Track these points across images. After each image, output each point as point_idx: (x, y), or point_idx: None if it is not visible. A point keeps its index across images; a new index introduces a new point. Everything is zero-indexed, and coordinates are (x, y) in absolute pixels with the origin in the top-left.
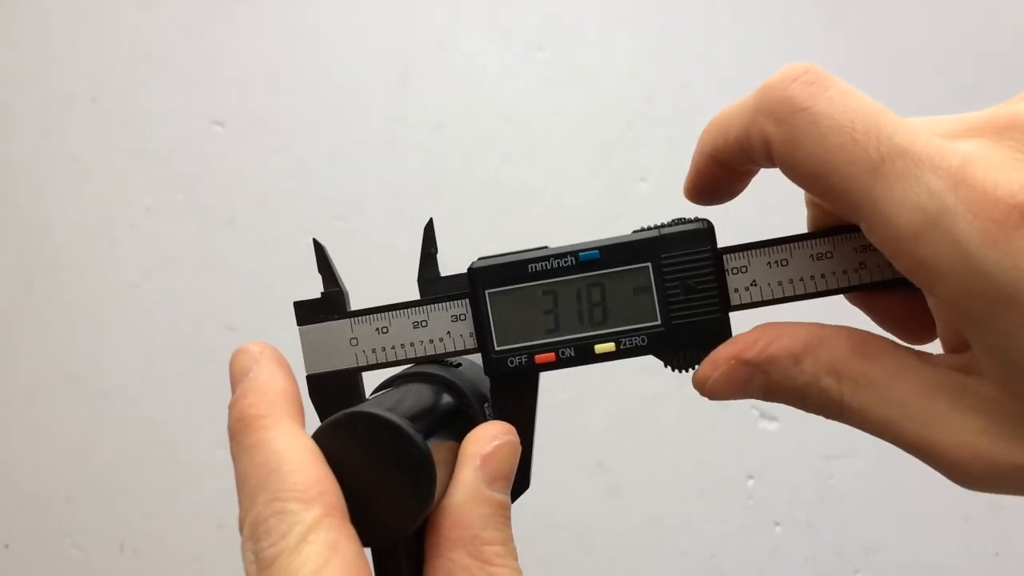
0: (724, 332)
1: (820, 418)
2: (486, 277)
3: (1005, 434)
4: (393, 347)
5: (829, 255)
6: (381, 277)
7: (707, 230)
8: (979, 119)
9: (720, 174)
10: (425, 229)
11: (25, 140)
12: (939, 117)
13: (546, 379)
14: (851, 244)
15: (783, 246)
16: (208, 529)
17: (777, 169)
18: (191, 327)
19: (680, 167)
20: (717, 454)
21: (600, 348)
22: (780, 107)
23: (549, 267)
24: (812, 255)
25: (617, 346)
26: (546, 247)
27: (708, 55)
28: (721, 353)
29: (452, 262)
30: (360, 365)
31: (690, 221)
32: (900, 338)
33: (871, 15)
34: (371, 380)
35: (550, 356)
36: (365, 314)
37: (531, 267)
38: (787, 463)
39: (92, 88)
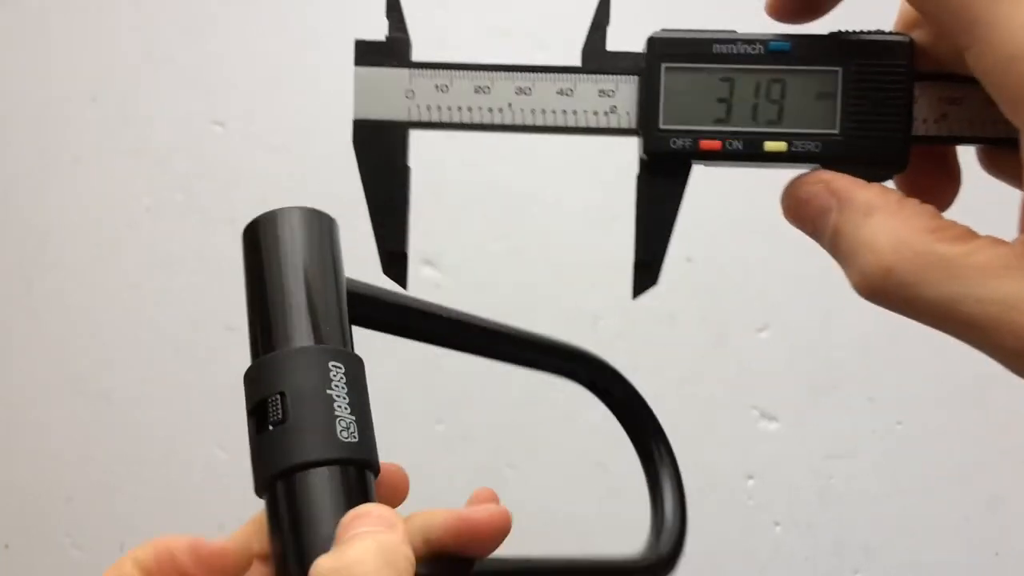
0: (902, 157)
1: (820, 418)
2: (666, 49)
3: None
4: (450, 108)
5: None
6: (381, 277)
7: (909, 44)
8: None
9: None
10: (601, 1)
11: (25, 140)
12: None
13: (545, 380)
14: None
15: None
16: (208, 529)
17: None
18: (191, 327)
19: None
20: (717, 454)
21: (770, 146)
22: None
23: (735, 52)
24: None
25: (789, 147)
26: (734, 31)
27: None
28: (816, 173)
29: (453, 260)
30: (412, 120)
31: (891, 33)
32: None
33: (871, 16)
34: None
35: (716, 144)
36: (428, 67)
37: (716, 47)
38: (787, 463)
39: (92, 88)
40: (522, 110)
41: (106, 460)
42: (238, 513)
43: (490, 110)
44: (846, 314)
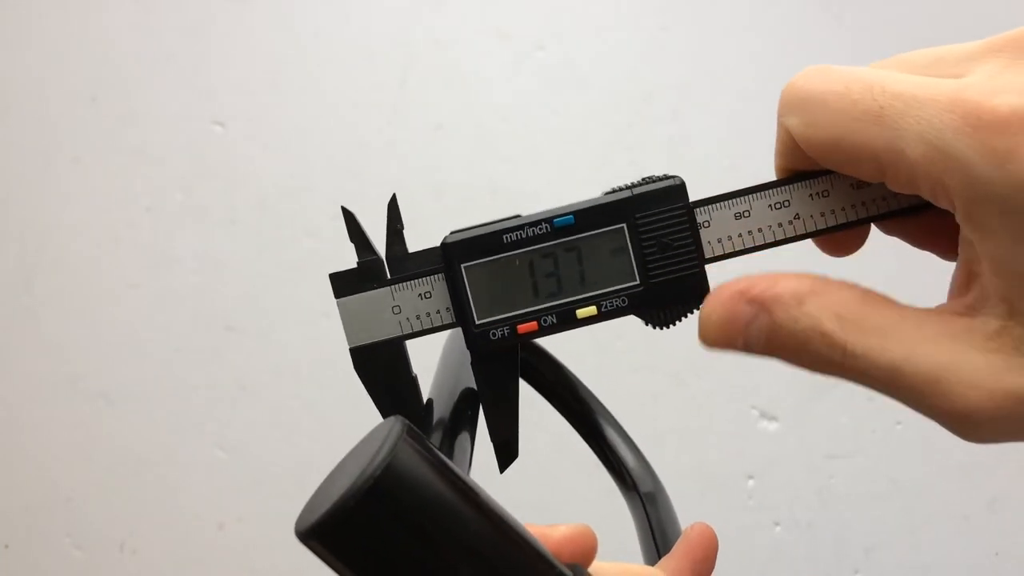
0: (702, 286)
1: (820, 418)
2: (460, 251)
3: (1016, 366)
4: (439, 311)
5: (826, 194)
6: None
7: (679, 186)
8: (1000, 39)
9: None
10: (389, 205)
11: (25, 140)
12: (954, 46)
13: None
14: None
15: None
16: (208, 529)
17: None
18: (191, 327)
19: (680, 166)
20: (717, 454)
21: (581, 312)
22: (789, 99)
23: (524, 236)
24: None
25: (598, 309)
26: (519, 215)
27: (708, 55)
28: (725, 290)
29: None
30: (405, 333)
31: (661, 179)
32: (941, 256)
33: (871, 15)
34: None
35: (532, 325)
36: (407, 279)
37: (506, 237)
38: (787, 463)
39: (92, 88)
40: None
41: (106, 460)
42: (238, 513)
43: None
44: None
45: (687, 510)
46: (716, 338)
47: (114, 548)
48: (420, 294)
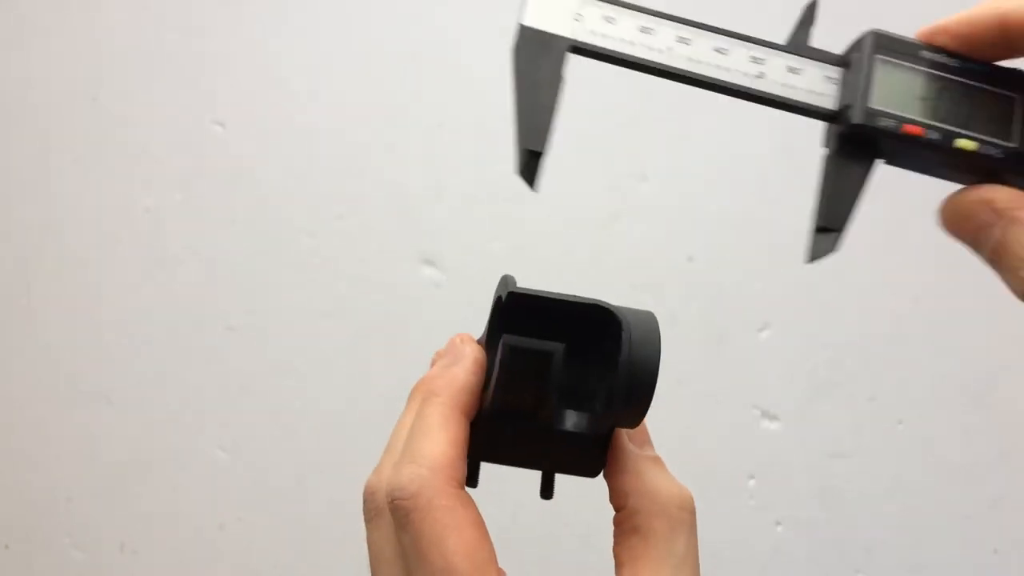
0: None
1: (821, 418)
2: (882, 43)
3: None
4: (613, 37)
5: None
6: (381, 276)
7: None
8: None
9: (986, 38)
10: (809, 4)
11: (25, 140)
12: None
13: None
14: None
15: None
16: (208, 529)
17: None
18: (191, 327)
19: (680, 165)
20: (718, 454)
21: (961, 143)
22: None
23: (938, 60)
24: None
25: (978, 147)
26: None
27: None
28: (977, 192)
29: (453, 260)
30: (577, 39)
31: None
32: None
33: (872, 15)
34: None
35: (918, 130)
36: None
37: (923, 53)
38: (788, 462)
39: (92, 88)
40: (680, 56)
41: (106, 460)
42: (238, 513)
43: (652, 48)
44: (846, 314)
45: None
46: (951, 224)
47: (114, 548)
48: (605, 16)
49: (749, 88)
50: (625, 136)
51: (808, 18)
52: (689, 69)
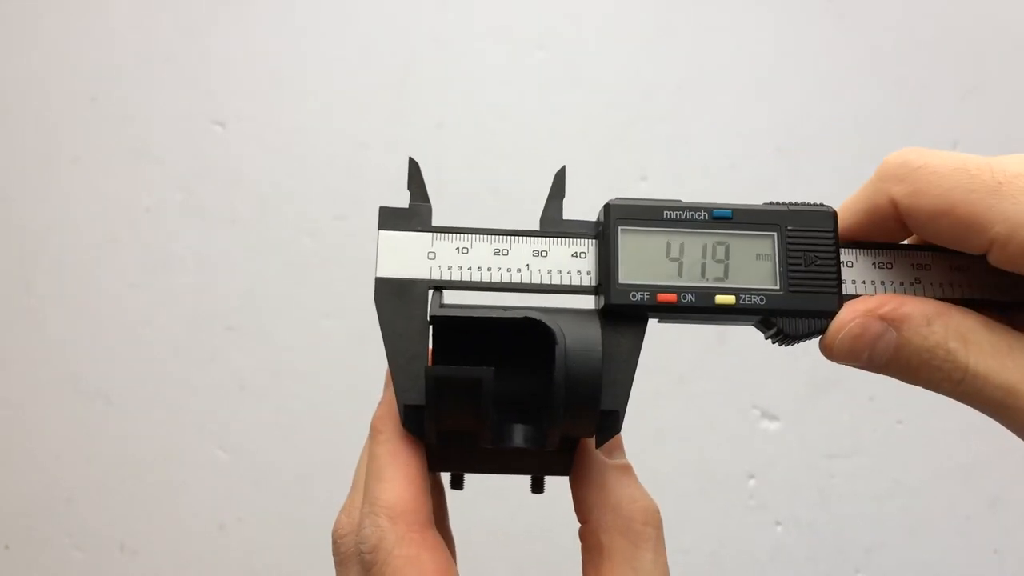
0: (835, 309)
1: (821, 417)
2: (621, 213)
3: None
4: (470, 268)
5: (927, 267)
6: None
7: (833, 214)
8: None
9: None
10: (556, 175)
11: (25, 140)
12: None
13: None
14: (947, 263)
15: (889, 251)
16: (208, 529)
17: None
18: (191, 327)
19: (680, 165)
20: (718, 453)
21: (720, 299)
22: (900, 170)
23: (682, 217)
24: (912, 264)
25: (737, 300)
26: (680, 200)
27: (708, 54)
28: (856, 306)
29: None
30: (433, 279)
31: (816, 205)
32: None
33: (872, 15)
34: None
35: (672, 297)
36: (449, 232)
37: (666, 213)
38: (788, 462)
39: (92, 88)
40: (539, 271)
41: (106, 460)
42: (238, 513)
43: (508, 270)
44: None
45: (687, 508)
46: (843, 350)
47: (114, 548)
48: (458, 248)
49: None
50: (625, 136)
51: (558, 191)
52: (548, 282)
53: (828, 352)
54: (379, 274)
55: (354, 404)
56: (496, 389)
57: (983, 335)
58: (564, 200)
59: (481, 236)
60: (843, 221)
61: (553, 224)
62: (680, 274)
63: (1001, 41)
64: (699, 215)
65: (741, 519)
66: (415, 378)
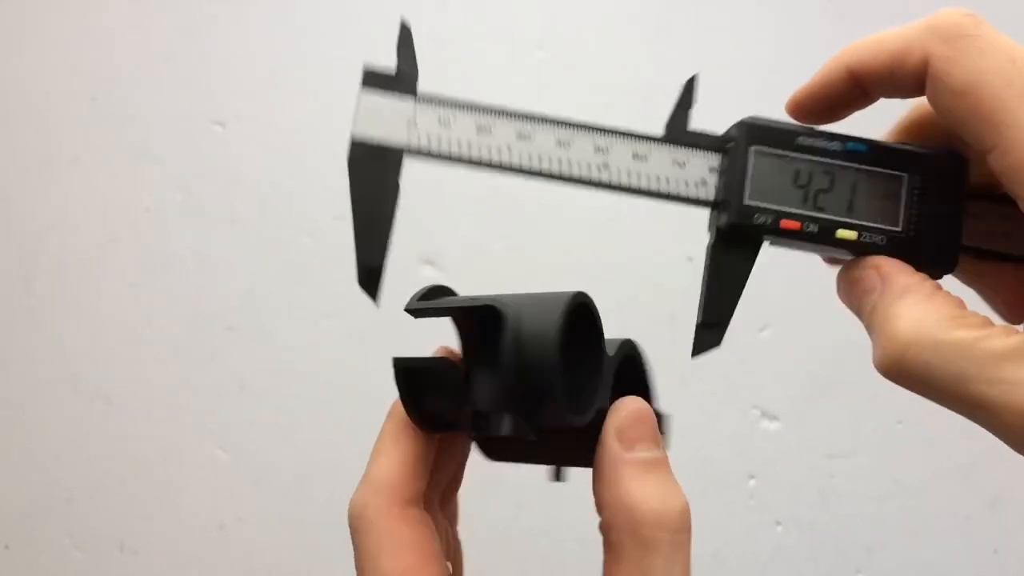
0: (951, 261)
1: (821, 417)
2: (755, 134)
3: None
4: (450, 141)
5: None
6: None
7: (964, 168)
8: None
9: (842, 90)
10: (687, 83)
11: (25, 140)
12: None
13: None
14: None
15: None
16: (208, 529)
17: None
18: (191, 327)
19: None
20: (718, 453)
21: (842, 233)
22: (951, 29)
23: (816, 145)
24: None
25: (859, 236)
26: (816, 127)
27: (708, 54)
28: (874, 258)
29: (453, 260)
30: (412, 146)
31: (950, 153)
32: (1004, 315)
33: (872, 15)
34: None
35: (795, 224)
36: (434, 101)
37: (799, 140)
38: (788, 462)
39: (92, 88)
40: (520, 153)
41: (106, 460)
42: (238, 513)
43: (490, 148)
44: (846, 314)
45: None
46: (843, 292)
47: (114, 548)
48: (440, 119)
49: (598, 180)
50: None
51: (687, 100)
52: (531, 166)
53: (837, 289)
54: (355, 134)
55: (354, 404)
56: (484, 378)
57: (938, 330)
58: (691, 110)
59: (465, 111)
60: (864, 48)
61: (678, 136)
62: (805, 202)
63: None
64: (833, 145)
65: (741, 519)
66: (377, 240)
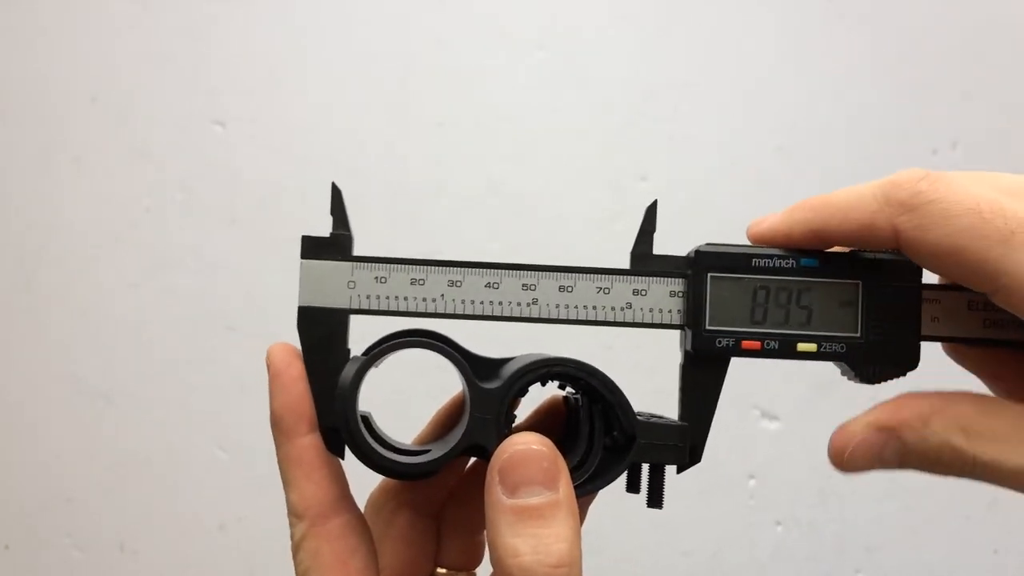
0: (914, 358)
1: (820, 417)
2: (712, 261)
3: None
4: (388, 297)
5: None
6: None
7: (918, 269)
8: None
9: (804, 240)
10: (648, 209)
11: (25, 140)
12: None
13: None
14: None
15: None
16: (208, 529)
17: None
18: (191, 327)
19: (680, 165)
20: (718, 454)
21: (802, 346)
22: (911, 200)
23: (770, 265)
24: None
25: (818, 348)
26: (769, 248)
27: (708, 54)
28: (856, 422)
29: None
30: (353, 308)
31: (896, 255)
32: (993, 389)
33: (872, 15)
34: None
35: (756, 344)
36: (368, 261)
37: (754, 261)
38: (788, 462)
39: (92, 88)
40: (453, 300)
41: (106, 460)
42: (238, 513)
43: (424, 299)
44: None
45: (688, 509)
46: (852, 466)
47: (114, 548)
48: (376, 277)
49: (565, 319)
50: (625, 136)
51: (649, 225)
52: (463, 311)
53: (839, 468)
54: (301, 303)
55: None
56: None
57: (983, 423)
58: (654, 234)
59: (398, 266)
60: (829, 216)
61: (644, 260)
62: (764, 320)
63: (1001, 41)
64: (787, 263)
65: (742, 519)
66: (331, 402)
